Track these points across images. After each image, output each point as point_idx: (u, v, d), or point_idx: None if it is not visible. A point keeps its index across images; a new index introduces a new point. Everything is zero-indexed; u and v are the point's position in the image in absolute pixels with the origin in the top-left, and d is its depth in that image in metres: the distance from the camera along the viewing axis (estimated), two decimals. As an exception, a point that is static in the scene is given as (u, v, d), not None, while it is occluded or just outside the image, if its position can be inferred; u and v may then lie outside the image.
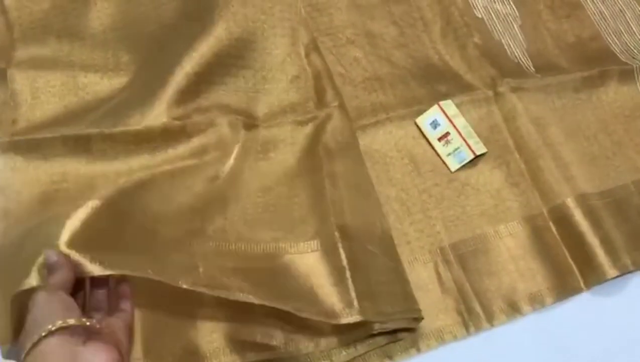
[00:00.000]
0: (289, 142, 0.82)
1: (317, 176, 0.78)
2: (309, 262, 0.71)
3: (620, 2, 1.05)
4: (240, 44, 0.83)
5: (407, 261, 0.78)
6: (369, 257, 0.73)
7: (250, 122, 0.81)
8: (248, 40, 0.83)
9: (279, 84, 0.85)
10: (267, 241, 0.72)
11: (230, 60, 0.82)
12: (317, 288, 0.68)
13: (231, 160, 0.77)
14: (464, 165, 0.86)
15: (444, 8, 0.98)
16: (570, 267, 0.80)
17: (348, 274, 0.69)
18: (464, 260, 0.79)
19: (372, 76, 0.91)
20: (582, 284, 0.80)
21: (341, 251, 0.71)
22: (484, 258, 0.80)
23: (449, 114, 0.87)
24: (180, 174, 0.74)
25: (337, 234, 0.72)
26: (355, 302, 0.67)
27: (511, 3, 1.02)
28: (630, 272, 0.81)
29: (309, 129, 0.82)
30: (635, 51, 1.00)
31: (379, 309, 0.68)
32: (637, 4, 1.05)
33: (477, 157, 0.86)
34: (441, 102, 0.88)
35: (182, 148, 0.76)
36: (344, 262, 0.70)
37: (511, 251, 0.81)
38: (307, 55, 0.87)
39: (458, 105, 0.89)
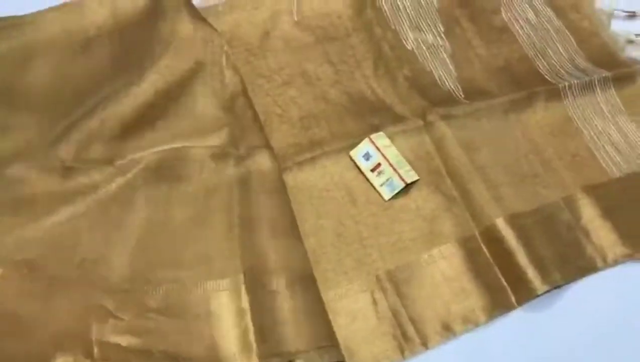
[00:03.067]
0: (207, 185, 0.85)
1: (228, 217, 0.81)
2: (213, 302, 0.75)
3: (545, 22, 1.10)
4: (166, 96, 0.87)
5: (344, 290, 0.82)
6: (273, 299, 0.76)
7: (170, 173, 0.85)
8: (173, 92, 0.88)
9: (201, 132, 0.88)
10: (169, 280, 0.76)
11: (153, 111, 0.87)
12: (217, 330, 0.73)
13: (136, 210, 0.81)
14: (397, 194, 0.90)
15: (375, 43, 1.02)
16: (502, 285, 0.84)
17: (249, 316, 0.73)
18: (399, 286, 0.83)
19: (309, 114, 0.95)
20: (513, 301, 0.83)
21: (243, 293, 0.75)
22: (418, 283, 0.83)
23: (379, 146, 0.91)
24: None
25: (241, 276, 0.77)
26: (254, 346, 0.72)
27: (440, 33, 1.06)
28: (560, 286, 0.84)
29: (230, 171, 0.86)
30: (562, 70, 1.04)
31: (279, 350, 0.71)
32: (557, 19, 1.10)
33: (410, 185, 0.90)
34: (372, 135, 0.92)
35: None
36: (246, 304, 0.75)
37: (445, 274, 0.84)
38: (233, 100, 0.91)
39: (390, 136, 0.94)
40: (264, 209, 0.82)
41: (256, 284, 0.76)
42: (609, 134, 0.99)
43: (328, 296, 0.81)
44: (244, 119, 0.91)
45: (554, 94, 1.01)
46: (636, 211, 0.91)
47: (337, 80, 0.99)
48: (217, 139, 0.89)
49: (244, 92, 0.93)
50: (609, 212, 0.90)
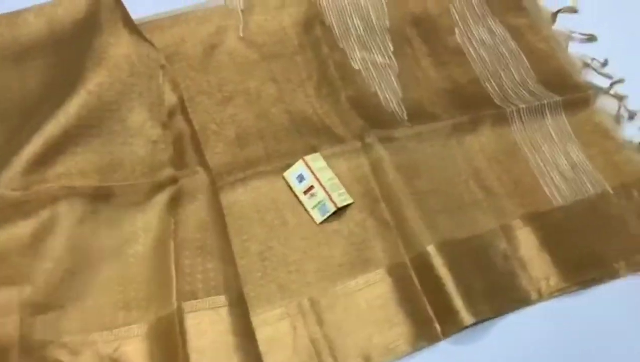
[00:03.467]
0: (142, 208, 0.84)
1: (166, 244, 0.80)
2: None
3: (499, 43, 1.07)
4: (99, 113, 0.85)
5: (267, 316, 0.80)
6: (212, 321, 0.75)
7: (102, 193, 0.83)
8: (106, 108, 0.86)
9: (136, 149, 0.87)
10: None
11: (87, 130, 0.85)
12: None
13: (62, 239, 0.78)
14: (329, 217, 0.87)
15: (321, 62, 1.00)
16: (428, 316, 0.81)
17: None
18: (322, 314, 0.80)
19: (246, 132, 0.94)
20: (439, 332, 0.80)
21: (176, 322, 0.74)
22: (342, 311, 0.81)
23: (313, 168, 0.89)
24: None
25: (175, 302, 0.75)
26: None
27: (390, 53, 1.04)
28: (489, 319, 0.81)
29: (165, 194, 0.84)
30: (512, 94, 1.02)
31: None
32: (512, 40, 1.08)
33: (344, 208, 0.88)
34: (306, 157, 0.90)
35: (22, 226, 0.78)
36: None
37: (370, 302, 0.82)
38: (170, 118, 0.90)
39: (329, 158, 0.92)
40: (198, 230, 0.80)
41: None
42: (557, 161, 0.96)
43: (253, 321, 0.78)
44: (181, 136, 0.89)
45: (501, 118, 0.98)
46: (576, 243, 0.89)
47: (279, 99, 0.98)
48: (153, 159, 0.87)
49: (183, 108, 0.92)
50: (548, 243, 0.88)
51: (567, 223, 0.90)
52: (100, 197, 0.83)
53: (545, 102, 1.00)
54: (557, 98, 1.00)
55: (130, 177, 0.86)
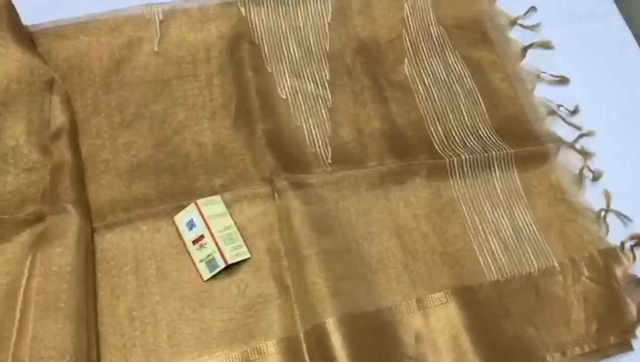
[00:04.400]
0: (3, 248, 0.73)
1: (15, 294, 0.69)
2: None
3: (454, 81, 0.94)
4: None
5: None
6: None
7: None
8: None
9: (5, 177, 0.76)
10: None
11: None
12: None
13: None
14: (221, 273, 0.75)
15: (242, 87, 0.88)
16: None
17: None
18: None
19: (140, 164, 0.82)
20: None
21: None
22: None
23: (205, 214, 0.76)
24: None
25: None
26: None
27: (324, 82, 0.91)
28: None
29: (28, 233, 0.73)
30: (457, 141, 0.89)
31: None
32: (470, 77, 0.94)
33: (239, 264, 0.76)
34: (200, 200, 0.78)
35: None
36: None
37: None
38: (53, 141, 0.78)
39: (232, 202, 0.80)
40: (55, 282, 0.69)
41: None
42: (499, 225, 0.83)
43: None
44: (61, 165, 0.77)
45: (439, 169, 0.85)
46: (507, 327, 0.76)
47: (186, 127, 0.85)
48: (24, 189, 0.76)
49: (71, 131, 0.81)
50: (472, 324, 0.75)
51: (499, 302, 0.77)
52: None
53: (494, 153, 0.86)
54: (509, 150, 0.86)
55: None
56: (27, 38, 0.83)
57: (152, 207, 0.79)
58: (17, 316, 0.67)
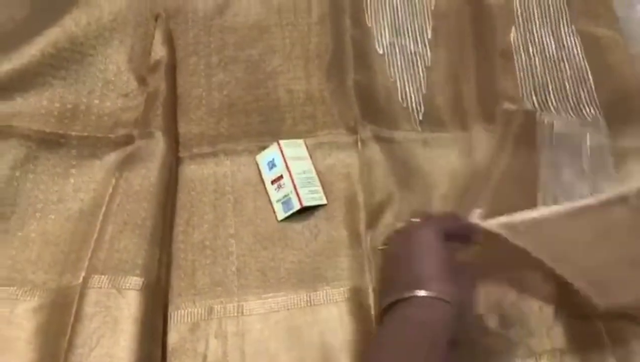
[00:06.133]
0: (91, 164, 0.76)
1: (98, 208, 0.72)
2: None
3: (563, 58, 0.87)
4: (67, 55, 0.78)
5: (184, 312, 0.68)
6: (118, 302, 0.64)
7: (53, 140, 0.76)
8: (77, 51, 0.79)
9: (104, 101, 0.79)
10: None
11: (52, 70, 0.78)
12: None
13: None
14: (295, 216, 0.74)
15: (338, 38, 0.86)
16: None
17: None
18: (244, 326, 0.68)
19: (231, 103, 0.83)
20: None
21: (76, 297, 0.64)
22: (268, 330, 0.68)
23: (286, 155, 0.76)
24: None
25: (83, 273, 0.66)
26: None
27: (426, 42, 0.88)
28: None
29: (117, 154, 0.76)
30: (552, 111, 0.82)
31: None
32: (581, 53, 0.87)
33: (314, 209, 0.74)
34: (283, 141, 0.77)
35: None
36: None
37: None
38: (150, 73, 0.81)
39: (316, 147, 0.79)
40: (136, 201, 0.71)
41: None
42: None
43: (171, 317, 0.68)
44: (156, 95, 0.80)
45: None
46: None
47: (280, 73, 0.85)
48: (119, 115, 0.80)
49: (169, 65, 0.83)
50: None
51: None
52: (49, 144, 0.75)
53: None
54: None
55: (90, 129, 0.78)
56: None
57: (237, 144, 0.79)
58: (98, 227, 0.70)
